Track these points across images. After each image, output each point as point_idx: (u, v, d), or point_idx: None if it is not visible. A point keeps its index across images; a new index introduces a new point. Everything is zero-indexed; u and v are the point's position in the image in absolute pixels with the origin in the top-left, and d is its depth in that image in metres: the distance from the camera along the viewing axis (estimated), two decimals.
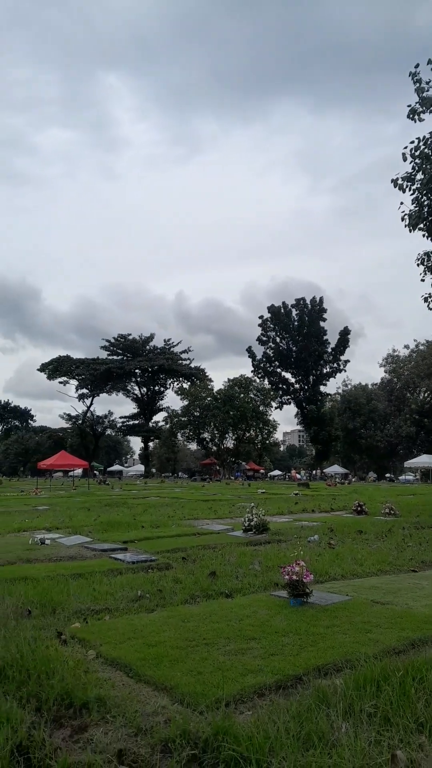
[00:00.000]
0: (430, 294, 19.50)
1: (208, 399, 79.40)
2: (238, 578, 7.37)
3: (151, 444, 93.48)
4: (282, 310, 73.38)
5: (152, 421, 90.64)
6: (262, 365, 74.31)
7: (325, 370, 73.98)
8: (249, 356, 74.56)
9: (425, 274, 19.22)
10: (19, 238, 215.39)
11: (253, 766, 2.86)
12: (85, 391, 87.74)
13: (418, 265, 19.24)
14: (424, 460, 62.50)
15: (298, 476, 70.73)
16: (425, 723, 3.17)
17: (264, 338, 74.10)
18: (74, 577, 7.40)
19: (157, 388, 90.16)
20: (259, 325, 74.25)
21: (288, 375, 74.87)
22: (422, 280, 19.38)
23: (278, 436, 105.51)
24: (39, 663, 4.20)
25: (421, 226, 18.12)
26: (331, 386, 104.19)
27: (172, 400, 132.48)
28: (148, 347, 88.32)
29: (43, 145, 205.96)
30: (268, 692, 3.77)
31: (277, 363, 74.13)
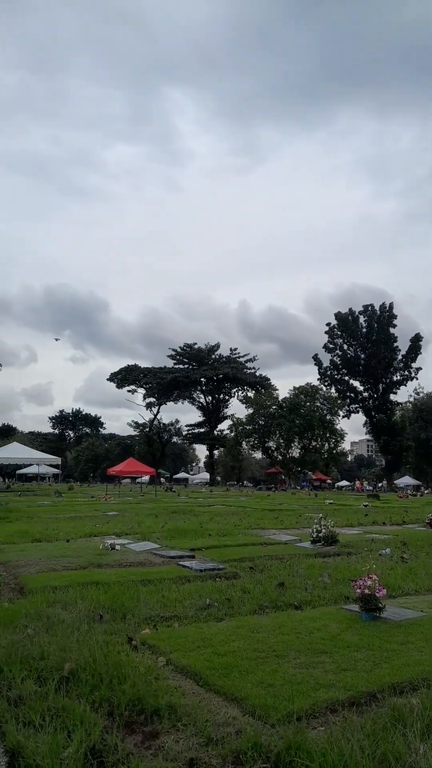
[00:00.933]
0: None
1: (273, 407, 78.99)
2: (307, 590, 7.25)
3: (216, 452, 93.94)
4: (349, 317, 72.24)
5: (217, 429, 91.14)
6: (328, 373, 73.33)
7: (395, 378, 72.15)
8: (315, 364, 73.81)
9: None
10: (88, 252, 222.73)
11: None
12: (152, 399, 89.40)
13: None
14: None
15: (362, 487, 68.94)
16: None
17: (331, 345, 73.13)
18: (144, 583, 7.50)
19: (222, 396, 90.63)
20: (326, 332, 73.42)
21: (356, 383, 73.55)
22: None
23: (346, 445, 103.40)
24: (111, 668, 4.27)
25: None
26: (402, 394, 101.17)
27: (236, 408, 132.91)
28: (213, 356, 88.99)
29: (110, 161, 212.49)
30: (341, 708, 3.67)
31: (344, 371, 72.95)
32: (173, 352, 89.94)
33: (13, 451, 46.77)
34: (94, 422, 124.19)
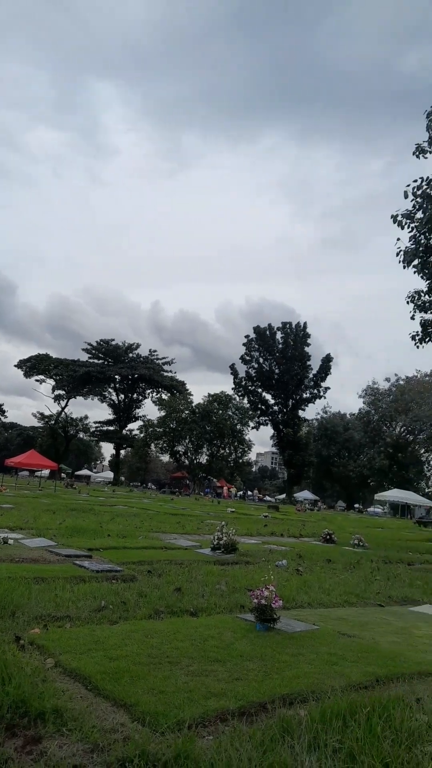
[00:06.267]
0: (417, 332, 19.74)
1: (186, 412, 79.18)
2: (203, 597, 7.25)
3: (122, 451, 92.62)
4: (267, 332, 73.73)
5: (126, 428, 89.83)
6: (243, 384, 74.39)
7: (305, 395, 74.27)
8: (231, 373, 74.63)
9: (415, 312, 19.43)
10: (1, 233, 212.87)
11: None
12: (61, 392, 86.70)
13: (408, 302, 19.44)
14: (394, 494, 62.69)
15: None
16: (390, 763, 3.09)
17: (247, 357, 74.28)
18: (36, 580, 7.20)
19: (135, 396, 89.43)
20: (244, 344, 74.49)
21: (268, 396, 75.04)
22: (412, 318, 19.57)
23: (251, 456, 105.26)
24: None
25: (416, 263, 18.39)
26: (310, 412, 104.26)
27: (149, 409, 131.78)
28: (131, 355, 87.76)
29: (31, 143, 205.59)
30: (231, 718, 3.66)
31: (258, 383, 74.29)
32: (89, 346, 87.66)
33: None
34: None
